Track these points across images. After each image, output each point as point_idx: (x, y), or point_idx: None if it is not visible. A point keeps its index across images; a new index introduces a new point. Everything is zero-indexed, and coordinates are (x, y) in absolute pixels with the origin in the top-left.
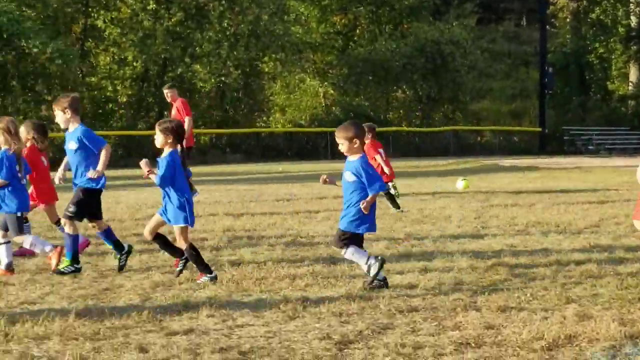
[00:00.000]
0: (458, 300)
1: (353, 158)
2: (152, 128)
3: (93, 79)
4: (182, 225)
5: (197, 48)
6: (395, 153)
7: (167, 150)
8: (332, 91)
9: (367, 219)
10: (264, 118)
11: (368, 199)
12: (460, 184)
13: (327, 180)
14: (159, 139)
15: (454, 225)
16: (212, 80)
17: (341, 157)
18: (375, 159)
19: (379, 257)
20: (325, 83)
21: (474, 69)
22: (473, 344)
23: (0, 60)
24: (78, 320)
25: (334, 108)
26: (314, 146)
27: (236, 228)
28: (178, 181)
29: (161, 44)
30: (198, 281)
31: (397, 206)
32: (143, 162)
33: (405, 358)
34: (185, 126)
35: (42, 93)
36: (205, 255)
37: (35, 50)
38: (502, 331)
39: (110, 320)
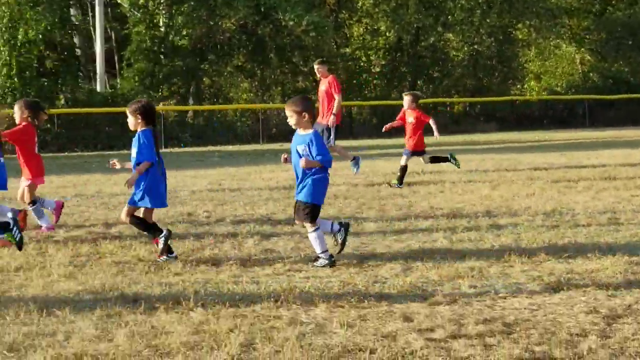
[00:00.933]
0: None
1: (304, 132)
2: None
3: (347, 49)
4: (149, 207)
5: (449, 16)
6: None
7: (139, 130)
8: (589, 57)
9: (321, 190)
10: (518, 86)
11: (312, 161)
12: None
13: (288, 159)
14: (130, 121)
15: None
16: (465, 48)
17: (607, 124)
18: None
19: (332, 257)
20: (582, 49)
21: None
22: None
23: (259, 34)
24: (343, 288)
25: (591, 74)
26: (571, 114)
27: (494, 197)
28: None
29: (413, 14)
30: (157, 244)
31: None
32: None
33: None
34: (335, 104)
35: (298, 64)
36: (464, 224)
37: (291, 23)
38: None
39: (373, 289)
